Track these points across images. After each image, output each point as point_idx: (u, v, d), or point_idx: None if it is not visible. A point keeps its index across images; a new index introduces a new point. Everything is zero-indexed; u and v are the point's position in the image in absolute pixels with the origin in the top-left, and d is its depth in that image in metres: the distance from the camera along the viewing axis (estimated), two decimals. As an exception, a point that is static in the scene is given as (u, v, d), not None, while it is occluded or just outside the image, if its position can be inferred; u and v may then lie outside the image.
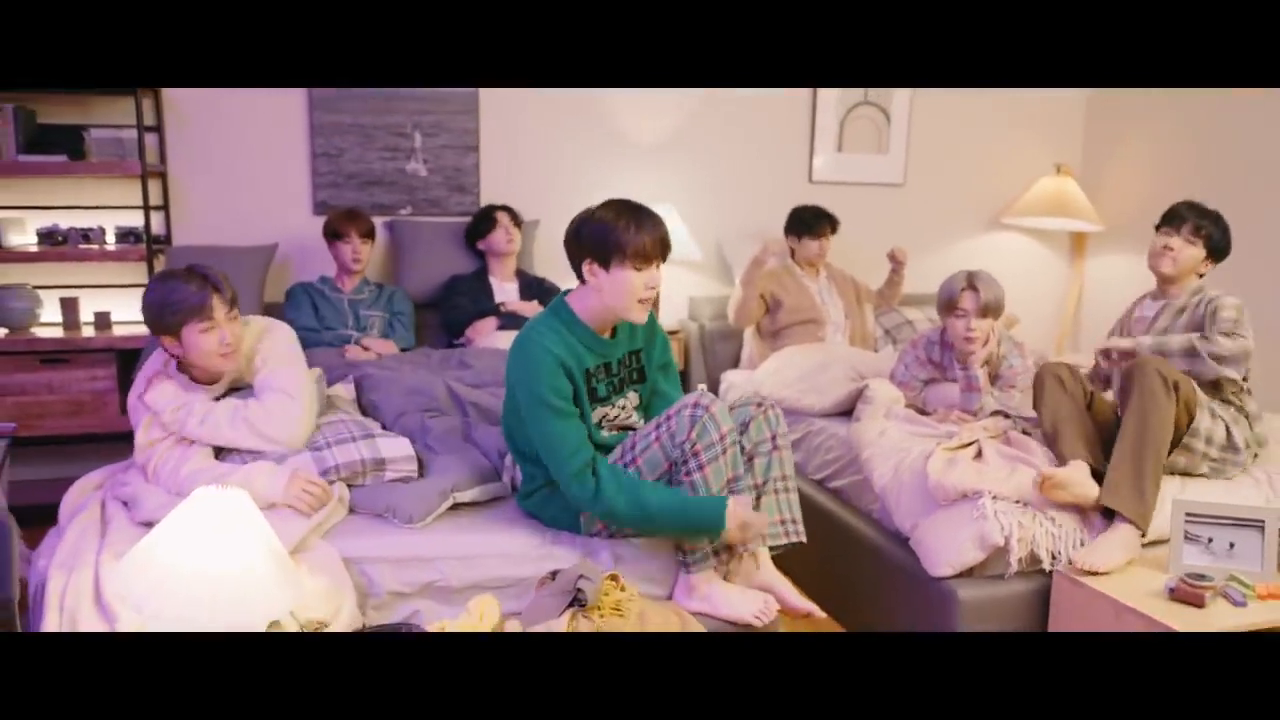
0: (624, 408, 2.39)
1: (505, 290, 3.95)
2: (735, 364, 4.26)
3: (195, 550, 1.72)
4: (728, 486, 2.16)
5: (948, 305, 3.04)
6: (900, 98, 4.73)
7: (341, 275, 3.85)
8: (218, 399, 2.44)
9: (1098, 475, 2.51)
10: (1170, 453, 2.56)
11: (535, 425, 2.17)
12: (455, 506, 2.33)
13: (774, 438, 2.37)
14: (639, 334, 2.43)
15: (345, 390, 2.87)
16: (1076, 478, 2.47)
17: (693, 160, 4.52)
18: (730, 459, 2.16)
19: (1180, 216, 2.90)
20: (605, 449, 2.29)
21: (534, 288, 4.01)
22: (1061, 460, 2.58)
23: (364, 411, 2.79)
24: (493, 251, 3.97)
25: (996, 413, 2.98)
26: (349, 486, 2.34)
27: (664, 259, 2.23)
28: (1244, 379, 2.77)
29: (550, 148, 4.34)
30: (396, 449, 2.40)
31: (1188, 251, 2.88)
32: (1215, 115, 4.31)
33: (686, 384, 4.31)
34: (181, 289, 2.32)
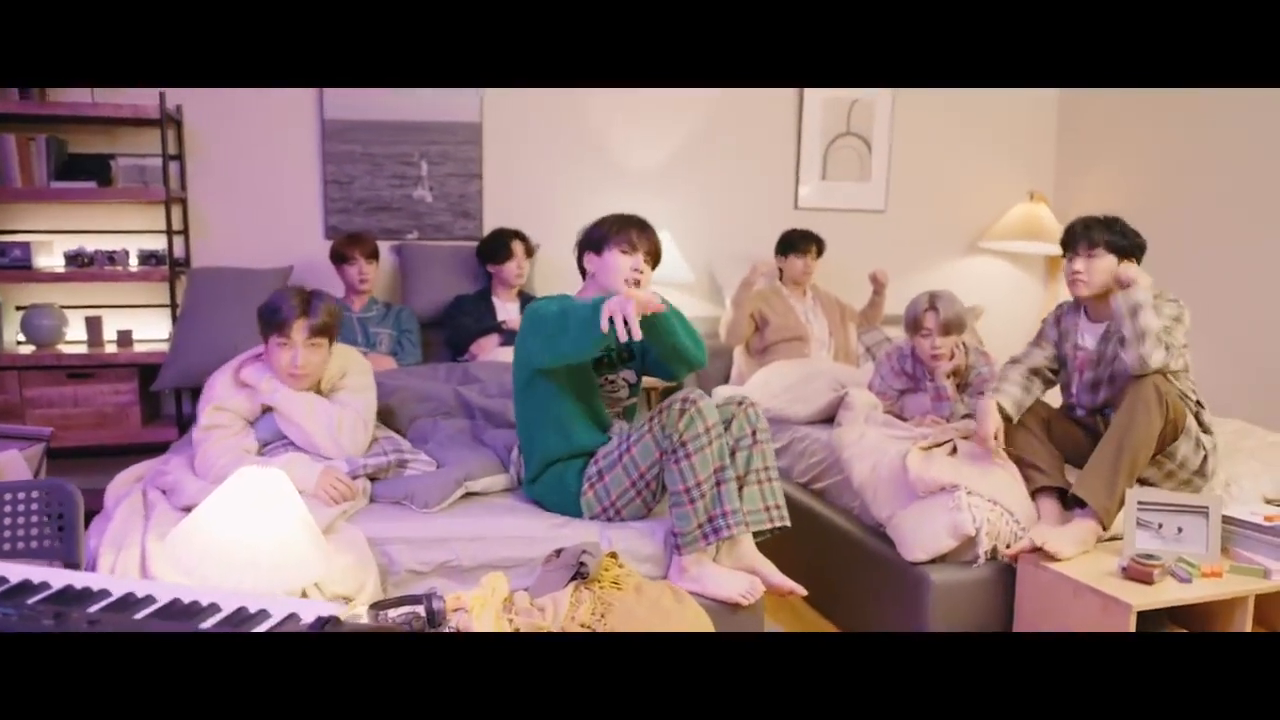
0: (623, 383, 2.71)
1: (508, 309, 4.17)
2: (726, 380, 4.47)
3: (238, 522, 1.92)
4: (715, 475, 2.37)
5: (913, 325, 3.27)
6: (881, 129, 4.98)
7: (350, 295, 4.06)
8: None
9: (1065, 493, 2.73)
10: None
11: (543, 322, 2.40)
12: (467, 495, 2.54)
13: (754, 432, 2.57)
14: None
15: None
16: (1061, 545, 2.56)
17: (684, 188, 4.76)
18: (716, 450, 2.36)
19: (1074, 236, 2.86)
20: (598, 420, 2.55)
21: (534, 307, 4.23)
22: (1032, 495, 2.76)
23: (383, 417, 3.00)
24: (500, 278, 4.18)
25: (966, 416, 3.20)
26: (371, 480, 2.55)
27: (651, 254, 2.59)
28: (1195, 399, 2.83)
29: (549, 175, 4.58)
30: (420, 456, 2.63)
31: (1096, 265, 2.82)
32: (1180, 141, 4.57)
33: (679, 399, 4.50)
34: (281, 301, 2.58)
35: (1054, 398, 3.12)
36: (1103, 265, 2.84)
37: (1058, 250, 5.00)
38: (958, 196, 5.18)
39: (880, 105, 4.97)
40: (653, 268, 2.61)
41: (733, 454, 2.56)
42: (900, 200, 5.09)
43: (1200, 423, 2.80)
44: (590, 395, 2.58)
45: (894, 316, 4.70)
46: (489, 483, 2.59)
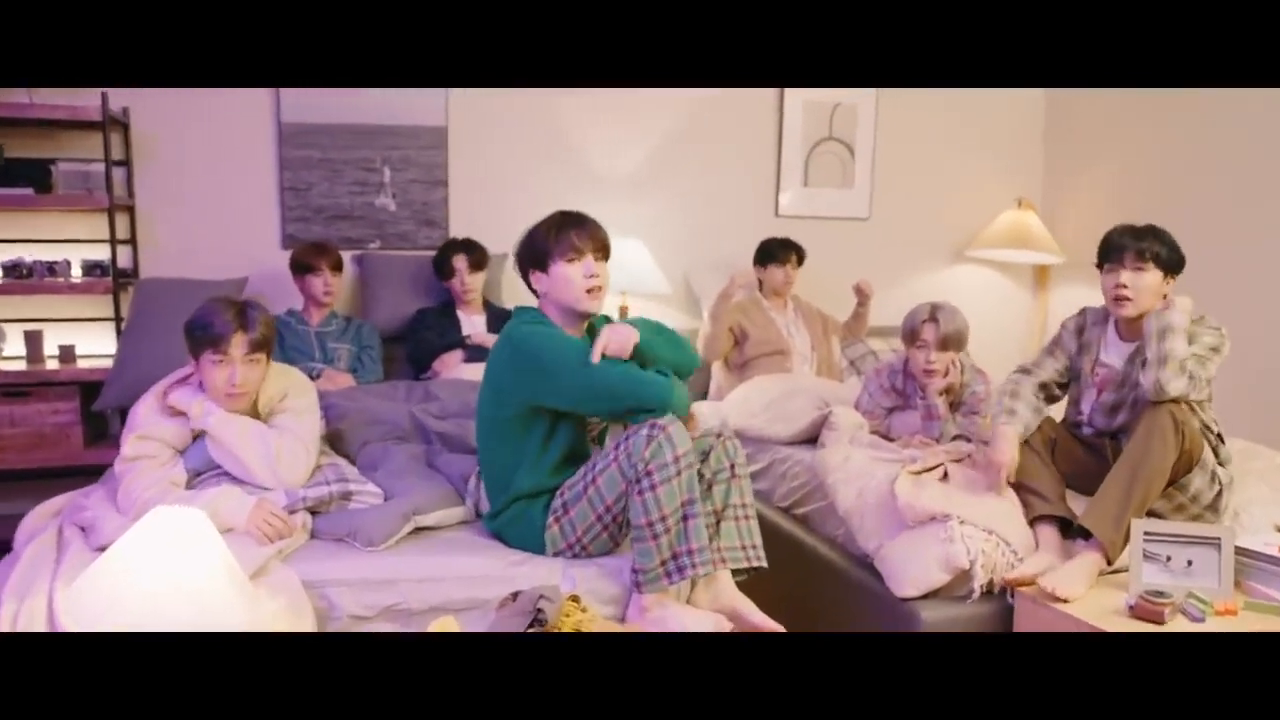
0: None
1: (472, 323, 3.96)
2: (704, 395, 4.28)
3: (149, 568, 1.71)
4: (682, 509, 2.16)
5: (910, 335, 3.08)
6: (864, 134, 4.81)
7: (309, 308, 3.85)
8: None
9: (1065, 522, 2.55)
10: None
11: (579, 380, 2.23)
12: (417, 530, 2.33)
13: (732, 466, 2.40)
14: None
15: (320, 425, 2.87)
16: (1072, 586, 2.35)
17: (660, 195, 4.57)
18: (685, 481, 2.16)
19: (1119, 247, 2.62)
20: (579, 459, 2.34)
21: (502, 320, 4.02)
22: (1030, 522, 2.58)
23: (331, 442, 2.78)
24: (453, 293, 3.99)
25: (958, 437, 3.01)
26: (313, 514, 2.33)
27: (599, 251, 2.39)
28: (1216, 431, 2.65)
29: (518, 182, 4.38)
30: (367, 487, 2.41)
31: (1143, 281, 2.58)
32: (1173, 145, 4.41)
33: (655, 416, 4.31)
34: (213, 316, 2.36)
35: (1057, 409, 2.93)
36: (1151, 282, 2.61)
37: (1046, 259, 4.87)
38: (943, 204, 5.01)
39: (864, 109, 4.79)
40: (605, 260, 2.42)
41: (710, 488, 2.38)
42: (884, 208, 4.91)
43: (1217, 456, 2.61)
44: (577, 430, 2.39)
45: (878, 328, 4.52)
46: (442, 516, 2.38)
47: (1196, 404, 2.62)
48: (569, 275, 2.33)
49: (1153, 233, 2.65)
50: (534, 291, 2.42)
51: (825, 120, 4.74)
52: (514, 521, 2.33)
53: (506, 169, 4.36)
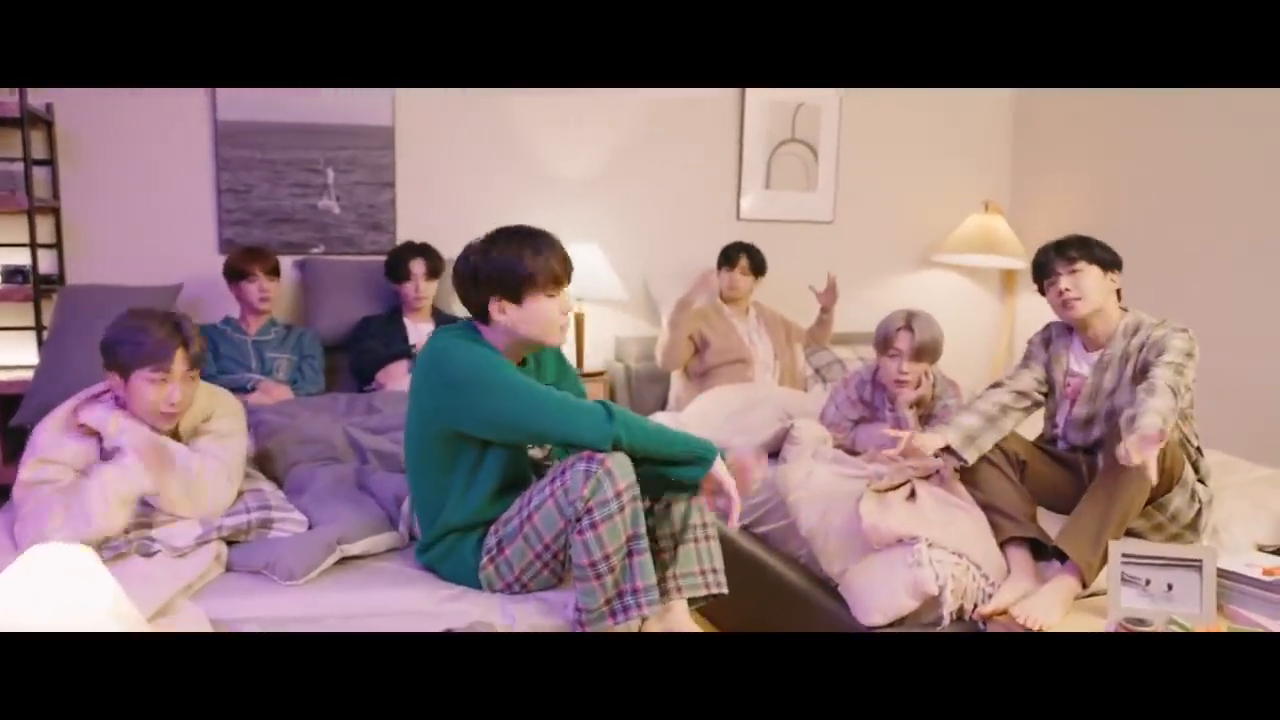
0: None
1: (420, 331, 3.78)
2: (663, 406, 4.12)
3: (27, 612, 1.52)
4: (626, 545, 1.99)
5: (883, 343, 2.94)
6: (828, 135, 4.67)
7: (246, 316, 3.65)
8: None
9: (1041, 548, 2.41)
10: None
11: (508, 402, 1.99)
12: (344, 560, 2.14)
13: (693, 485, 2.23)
14: (547, 370, 2.32)
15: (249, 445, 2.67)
16: (1048, 614, 2.23)
17: (618, 198, 4.40)
18: (629, 516, 1.98)
19: (1048, 258, 2.60)
20: (519, 487, 2.16)
21: (451, 328, 3.84)
22: (1000, 545, 2.43)
23: (260, 463, 2.59)
24: (403, 299, 3.81)
25: (926, 452, 2.87)
26: (229, 544, 2.14)
27: (570, 278, 2.16)
28: (1196, 445, 2.54)
29: (469, 184, 4.20)
30: (290, 514, 2.22)
31: (1083, 281, 2.54)
32: (1145, 147, 4.31)
33: (613, 427, 4.15)
34: (148, 331, 2.17)
35: (1032, 426, 2.80)
36: (1091, 278, 2.56)
37: (1015, 264, 4.75)
38: (909, 207, 4.89)
39: (827, 110, 4.65)
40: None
41: (668, 507, 2.21)
42: (849, 211, 4.78)
43: (1197, 471, 2.49)
44: (513, 456, 2.16)
45: (843, 335, 4.38)
46: (371, 543, 2.19)
47: (1179, 417, 2.49)
48: (547, 311, 2.09)
49: (1075, 239, 2.61)
50: (479, 316, 2.12)
51: (788, 121, 4.60)
52: (446, 557, 2.14)
53: (457, 170, 4.18)
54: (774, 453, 3.15)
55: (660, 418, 3.93)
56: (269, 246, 3.87)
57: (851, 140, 4.73)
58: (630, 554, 1.99)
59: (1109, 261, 2.58)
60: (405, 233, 4.11)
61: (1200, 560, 2.25)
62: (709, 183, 4.54)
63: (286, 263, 3.96)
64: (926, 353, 2.90)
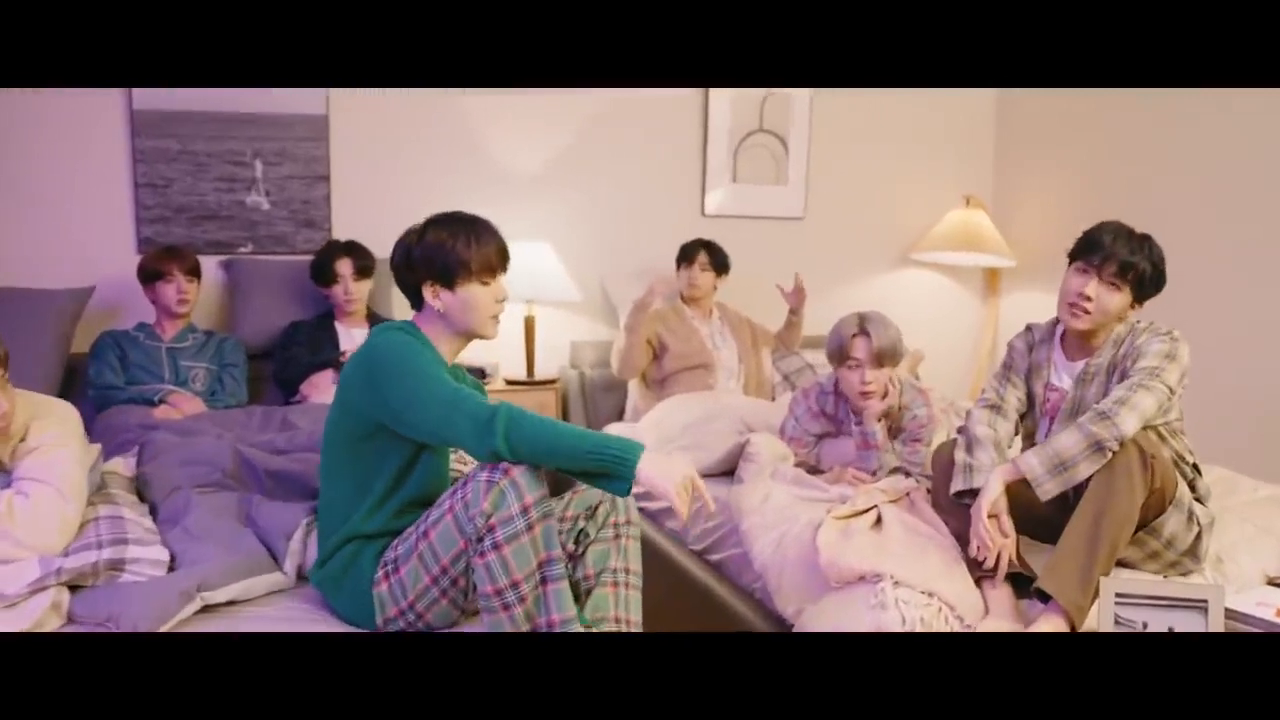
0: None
1: (353, 337, 3.47)
2: (620, 416, 3.83)
3: None
4: (539, 571, 1.73)
5: (839, 354, 2.65)
6: (799, 125, 4.38)
7: (162, 321, 3.35)
8: None
9: (1021, 579, 2.12)
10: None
11: (404, 388, 1.82)
12: (209, 609, 1.83)
13: (617, 524, 2.01)
14: (464, 377, 2.09)
15: (125, 465, 2.37)
16: None
17: (572, 193, 4.11)
18: (540, 536, 1.74)
19: (1103, 249, 2.18)
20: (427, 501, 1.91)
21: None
22: (976, 581, 2.14)
23: (139, 489, 2.29)
24: (334, 303, 3.51)
25: (897, 469, 2.58)
26: (72, 590, 1.83)
27: (506, 268, 2.04)
28: (1191, 462, 2.25)
29: (411, 178, 3.90)
30: (149, 552, 1.91)
31: (1110, 301, 2.19)
32: (1134, 137, 4.03)
33: (566, 439, 3.85)
34: None
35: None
36: (1118, 304, 2.22)
37: (997, 262, 4.47)
38: (886, 202, 4.61)
39: (797, 99, 4.37)
40: None
41: (586, 551, 1.98)
42: (821, 206, 4.49)
43: (1194, 491, 2.20)
44: (441, 457, 2.02)
45: (813, 338, 4.09)
46: (244, 588, 1.88)
47: (1166, 430, 2.21)
48: (480, 299, 1.99)
49: (1146, 245, 2.23)
50: (413, 302, 2.03)
51: (755, 111, 4.31)
52: (342, 572, 1.89)
53: (398, 164, 3.87)
54: (732, 469, 2.86)
55: (616, 428, 3.65)
56: (193, 245, 3.58)
57: (824, 131, 4.44)
58: (544, 581, 1.76)
59: (1148, 291, 2.24)
60: (341, 231, 3.80)
61: (1205, 600, 1.96)
62: (671, 177, 4.25)
63: (211, 263, 3.66)
64: (887, 357, 2.62)
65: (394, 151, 3.87)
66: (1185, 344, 2.20)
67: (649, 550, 2.93)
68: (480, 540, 1.70)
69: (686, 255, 3.74)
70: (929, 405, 2.73)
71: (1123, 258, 2.18)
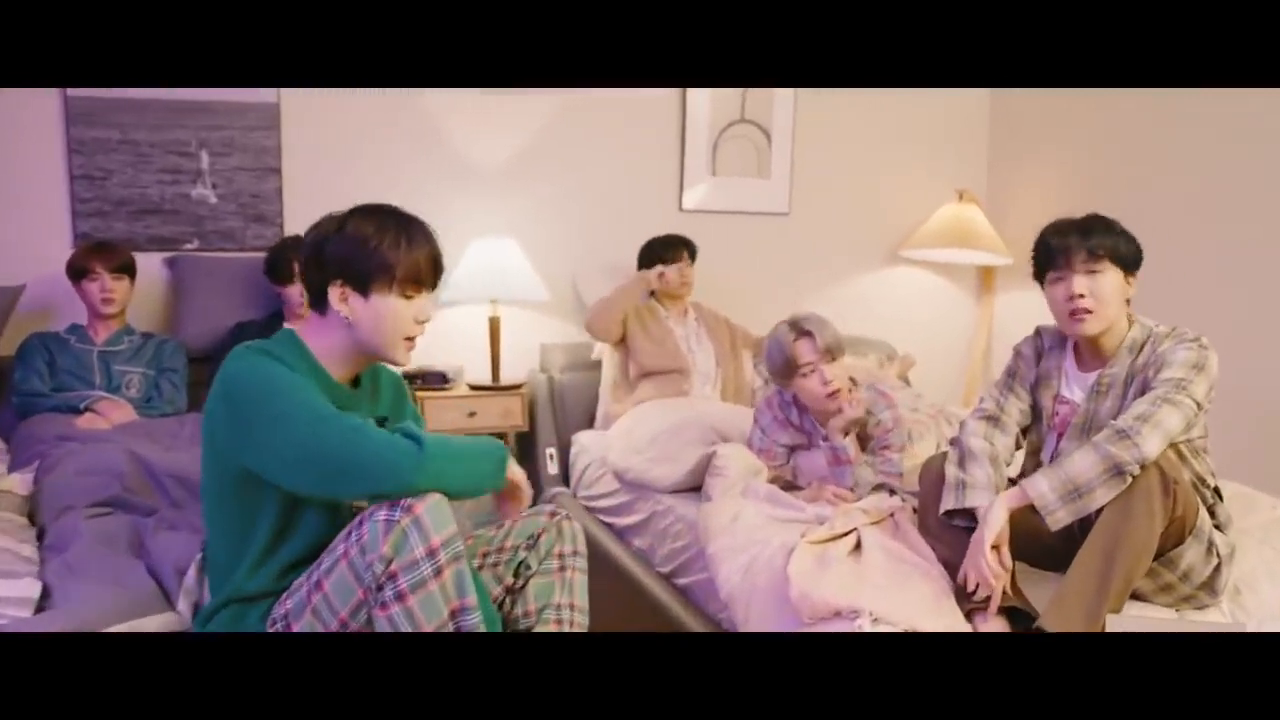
0: None
1: (302, 339, 3.24)
2: (590, 423, 3.59)
3: None
4: (452, 622, 1.50)
5: (786, 369, 2.43)
6: (782, 116, 4.15)
7: (94, 322, 3.12)
8: None
9: (1017, 613, 1.89)
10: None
11: (289, 431, 1.52)
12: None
13: (562, 555, 1.81)
14: (383, 397, 1.83)
15: (20, 482, 2.14)
16: None
17: (541, 187, 3.87)
18: (451, 582, 1.49)
19: (1063, 249, 2.03)
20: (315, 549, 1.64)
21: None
22: (966, 614, 1.90)
23: (30, 509, 2.06)
24: (286, 303, 3.29)
25: (880, 487, 2.35)
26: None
27: (436, 283, 1.74)
28: (1213, 486, 2.04)
29: (369, 170, 3.67)
30: (16, 588, 1.67)
31: (1103, 286, 2.00)
32: (1135, 125, 3.81)
33: (533, 448, 3.63)
34: None
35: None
36: (1112, 284, 2.01)
37: (991, 260, 4.25)
38: (875, 196, 4.37)
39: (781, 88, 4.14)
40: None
41: (526, 584, 1.78)
42: (807, 201, 4.26)
43: (1215, 518, 1.97)
44: (332, 515, 1.68)
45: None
46: (129, 630, 1.65)
47: (1187, 449, 1.98)
48: (398, 315, 1.67)
49: (1101, 224, 2.07)
50: (315, 303, 1.71)
51: (736, 100, 4.08)
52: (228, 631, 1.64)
53: (354, 155, 3.64)
54: (699, 486, 2.63)
55: (585, 437, 3.43)
56: (134, 241, 3.36)
57: (809, 121, 4.21)
58: (459, 629, 1.52)
59: (1133, 260, 2.05)
60: (294, 226, 3.57)
61: (1224, 641, 1.73)
62: (647, 169, 4.02)
63: (154, 260, 3.43)
64: (835, 349, 2.44)
65: (350, 142, 3.64)
66: (1214, 353, 1.98)
67: (612, 570, 2.71)
68: (380, 589, 1.46)
69: (670, 252, 3.51)
70: (893, 407, 2.50)
71: (1085, 244, 2.02)
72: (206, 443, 1.65)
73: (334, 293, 1.67)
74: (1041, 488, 1.85)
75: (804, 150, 4.22)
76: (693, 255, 3.54)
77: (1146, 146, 3.76)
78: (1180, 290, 3.53)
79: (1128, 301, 2.08)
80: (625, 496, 2.92)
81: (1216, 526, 1.98)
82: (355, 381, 1.77)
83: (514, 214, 3.82)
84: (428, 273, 1.70)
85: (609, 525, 2.99)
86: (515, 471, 1.73)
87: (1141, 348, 2.03)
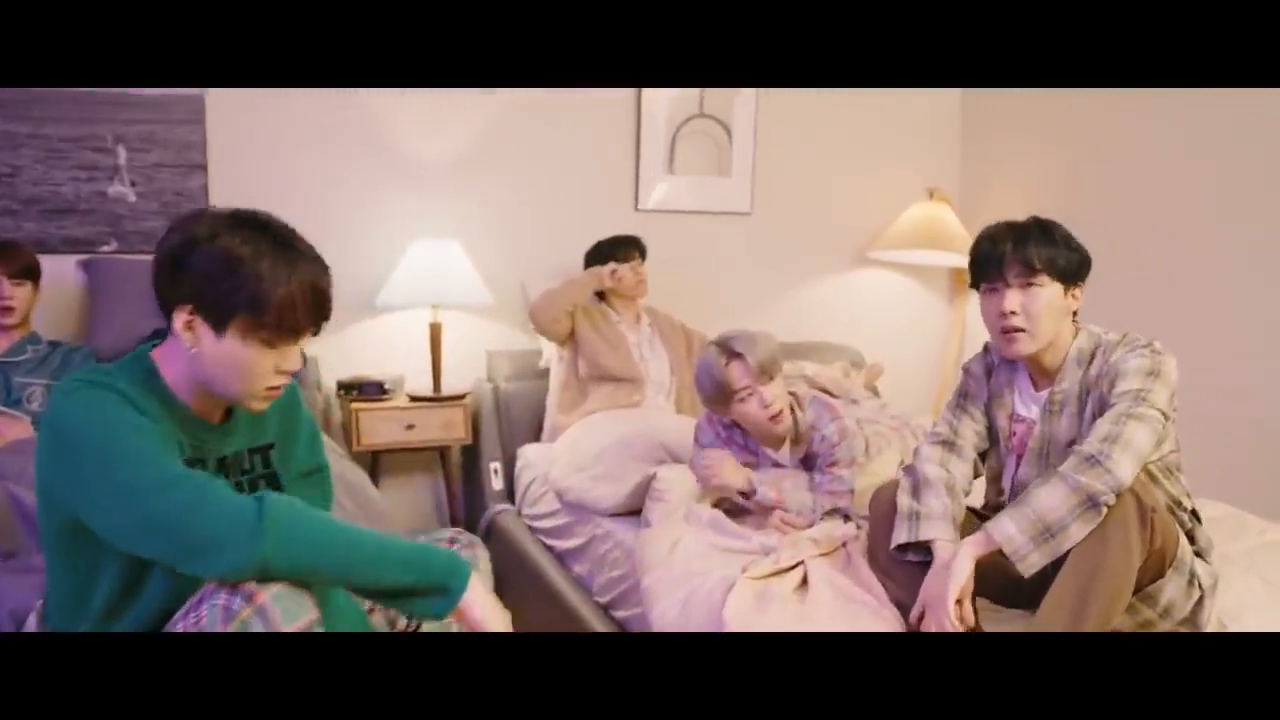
0: None
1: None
2: (537, 436, 3.38)
3: None
4: None
5: (721, 395, 2.23)
6: (744, 111, 3.95)
7: (-6, 331, 2.90)
8: None
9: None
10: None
11: (130, 489, 1.27)
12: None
13: None
14: (270, 422, 1.59)
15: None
16: None
17: (488, 185, 3.66)
18: None
19: (996, 259, 1.84)
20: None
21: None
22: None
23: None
24: None
25: (832, 512, 2.15)
26: None
27: (318, 330, 1.42)
28: (1190, 508, 1.86)
29: (303, 168, 3.45)
30: None
31: (1037, 304, 1.82)
32: (1114, 119, 3.63)
33: (477, 461, 3.42)
34: None
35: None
36: (1049, 300, 1.81)
37: (964, 261, 4.06)
38: (841, 195, 4.19)
39: (743, 80, 3.94)
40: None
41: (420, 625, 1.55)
42: (769, 199, 4.06)
43: (1194, 543, 1.79)
44: (179, 578, 1.39)
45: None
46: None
47: (1159, 468, 1.80)
48: (253, 366, 1.38)
49: (1039, 230, 1.87)
50: (165, 319, 1.41)
51: (694, 95, 3.88)
52: None
53: (286, 151, 3.42)
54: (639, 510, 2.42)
55: (530, 451, 3.22)
56: (47, 243, 3.15)
57: (772, 117, 4.01)
58: None
59: (1074, 273, 1.85)
60: (220, 226, 3.35)
61: (1209, 691, 1.54)
62: (601, 167, 3.81)
63: (68, 263, 3.21)
64: (772, 366, 2.24)
65: (282, 137, 3.42)
66: (1171, 357, 1.78)
67: (547, 598, 2.50)
68: None
69: (620, 251, 3.32)
70: (838, 418, 2.29)
71: (1020, 254, 1.82)
72: (40, 490, 1.39)
73: (180, 317, 1.37)
74: (1009, 530, 1.65)
75: (767, 147, 4.03)
76: (643, 255, 3.35)
77: (1121, 144, 3.59)
78: (1150, 291, 3.35)
79: (1075, 314, 1.90)
80: (566, 518, 2.71)
81: (1197, 553, 1.79)
82: (228, 413, 1.51)
83: (459, 215, 3.61)
84: (306, 317, 1.39)
85: (550, 547, 2.78)
86: (479, 610, 1.39)
87: (1091, 358, 1.85)
